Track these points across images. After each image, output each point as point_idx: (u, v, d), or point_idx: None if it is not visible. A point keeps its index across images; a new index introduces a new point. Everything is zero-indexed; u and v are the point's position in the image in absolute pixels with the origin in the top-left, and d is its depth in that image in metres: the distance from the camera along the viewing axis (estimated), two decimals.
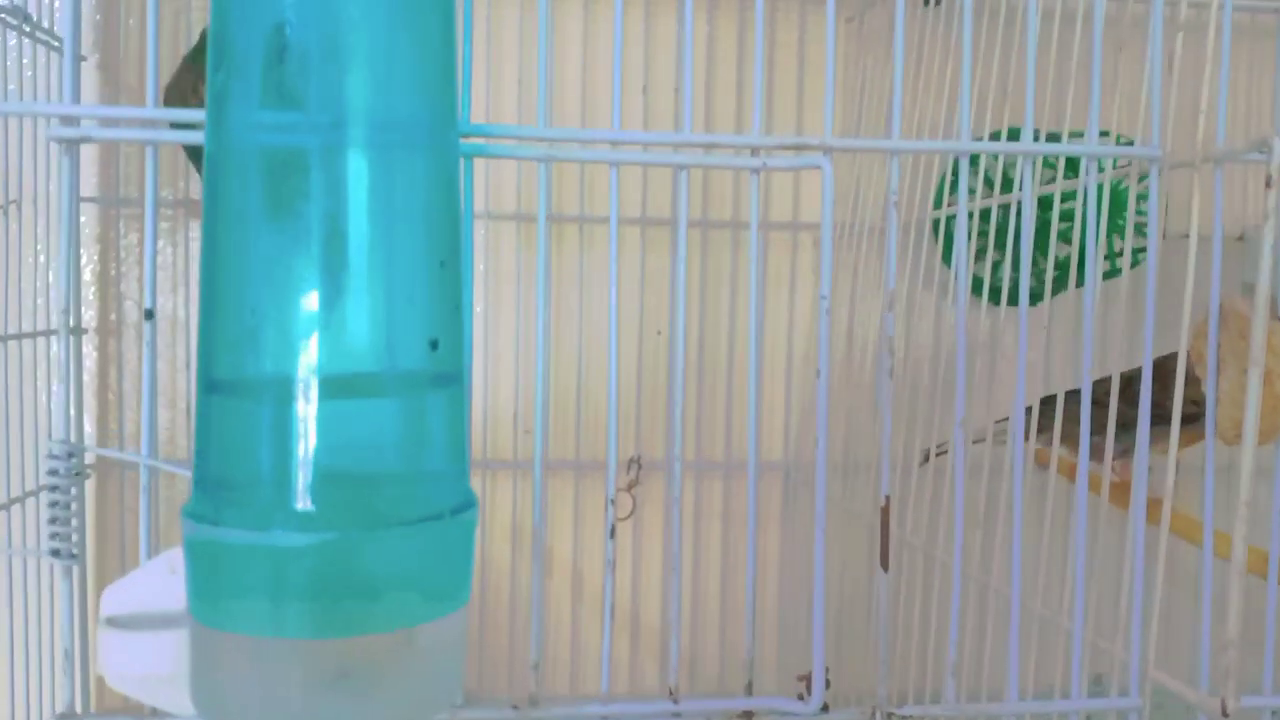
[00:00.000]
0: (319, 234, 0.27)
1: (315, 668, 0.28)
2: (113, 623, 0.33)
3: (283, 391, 0.27)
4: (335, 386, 0.28)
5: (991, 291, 0.88)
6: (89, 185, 0.80)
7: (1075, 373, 0.78)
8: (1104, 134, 0.79)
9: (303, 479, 0.27)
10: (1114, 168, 0.56)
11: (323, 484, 0.27)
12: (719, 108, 0.85)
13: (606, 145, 0.34)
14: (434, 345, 0.28)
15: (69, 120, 0.32)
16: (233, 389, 0.28)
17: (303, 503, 0.27)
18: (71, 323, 0.34)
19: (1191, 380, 0.55)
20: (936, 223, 0.86)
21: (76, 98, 0.32)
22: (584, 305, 0.85)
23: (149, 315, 0.32)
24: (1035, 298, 0.87)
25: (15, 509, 0.68)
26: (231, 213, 0.28)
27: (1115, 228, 0.84)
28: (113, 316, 0.82)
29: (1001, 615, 0.42)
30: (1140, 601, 0.37)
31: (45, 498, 0.32)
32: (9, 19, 0.68)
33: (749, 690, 0.36)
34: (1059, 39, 0.64)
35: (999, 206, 0.73)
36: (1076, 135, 0.83)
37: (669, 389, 0.87)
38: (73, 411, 0.33)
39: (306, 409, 0.27)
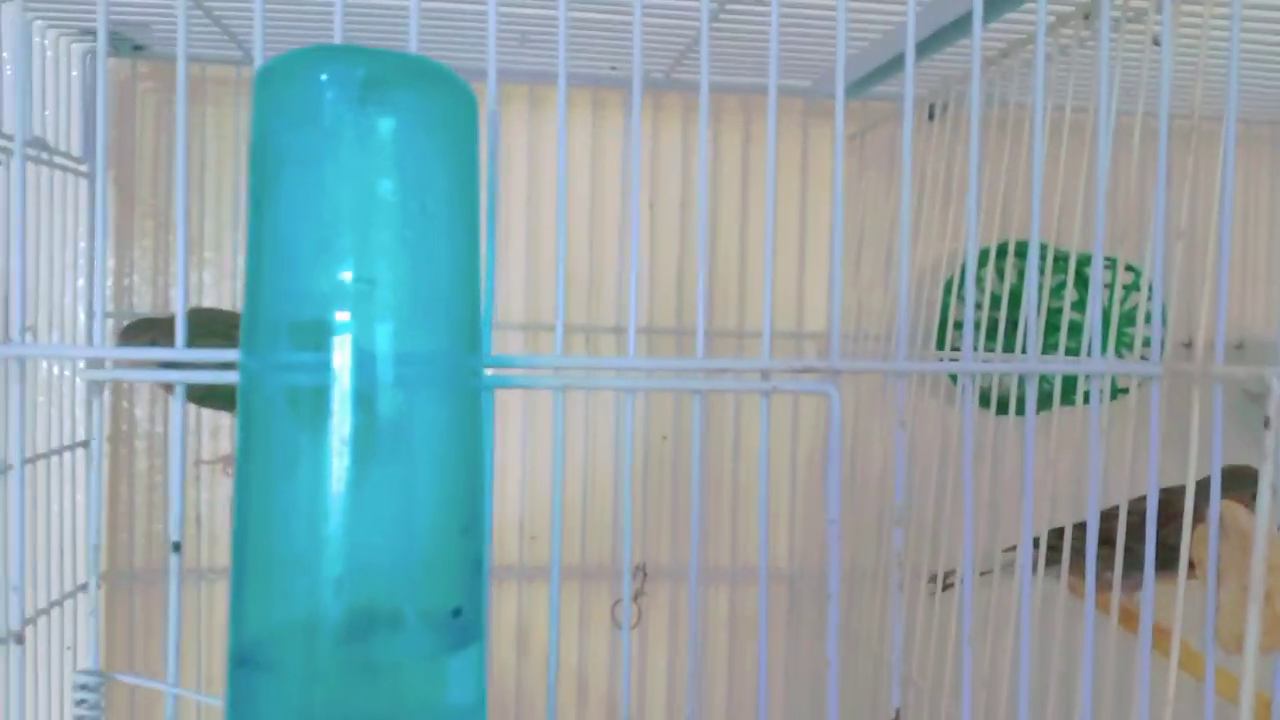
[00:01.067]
0: (344, 500, 0.28)
1: None
2: None
3: (308, 664, 0.28)
4: (361, 659, 0.28)
5: (999, 403, 0.88)
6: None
7: (1080, 491, 0.79)
8: (1109, 260, 0.81)
9: None
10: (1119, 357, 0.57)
11: None
12: (724, 221, 0.87)
13: (613, 372, 0.35)
14: (457, 613, 0.29)
15: (95, 363, 0.33)
16: (260, 659, 0.29)
17: None
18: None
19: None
20: (942, 328, 0.87)
21: (103, 341, 0.33)
22: (589, 412, 0.86)
23: (176, 549, 0.33)
24: (1040, 407, 0.88)
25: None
26: (257, 470, 0.29)
27: (1123, 341, 0.85)
28: (125, 427, 0.83)
29: None
30: None
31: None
32: (30, 150, 0.70)
33: None
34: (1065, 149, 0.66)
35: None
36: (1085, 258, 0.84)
37: (674, 496, 0.87)
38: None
39: (332, 679, 0.28)
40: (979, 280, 0.88)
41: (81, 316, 0.78)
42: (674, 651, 0.88)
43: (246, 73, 0.81)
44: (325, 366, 0.28)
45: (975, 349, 0.71)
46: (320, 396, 0.28)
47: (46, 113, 0.74)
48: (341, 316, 0.28)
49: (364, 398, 0.28)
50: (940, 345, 0.89)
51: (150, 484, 0.84)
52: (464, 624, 0.30)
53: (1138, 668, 0.42)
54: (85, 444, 0.79)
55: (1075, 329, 0.86)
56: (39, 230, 0.72)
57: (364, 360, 0.28)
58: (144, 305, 0.82)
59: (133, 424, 0.83)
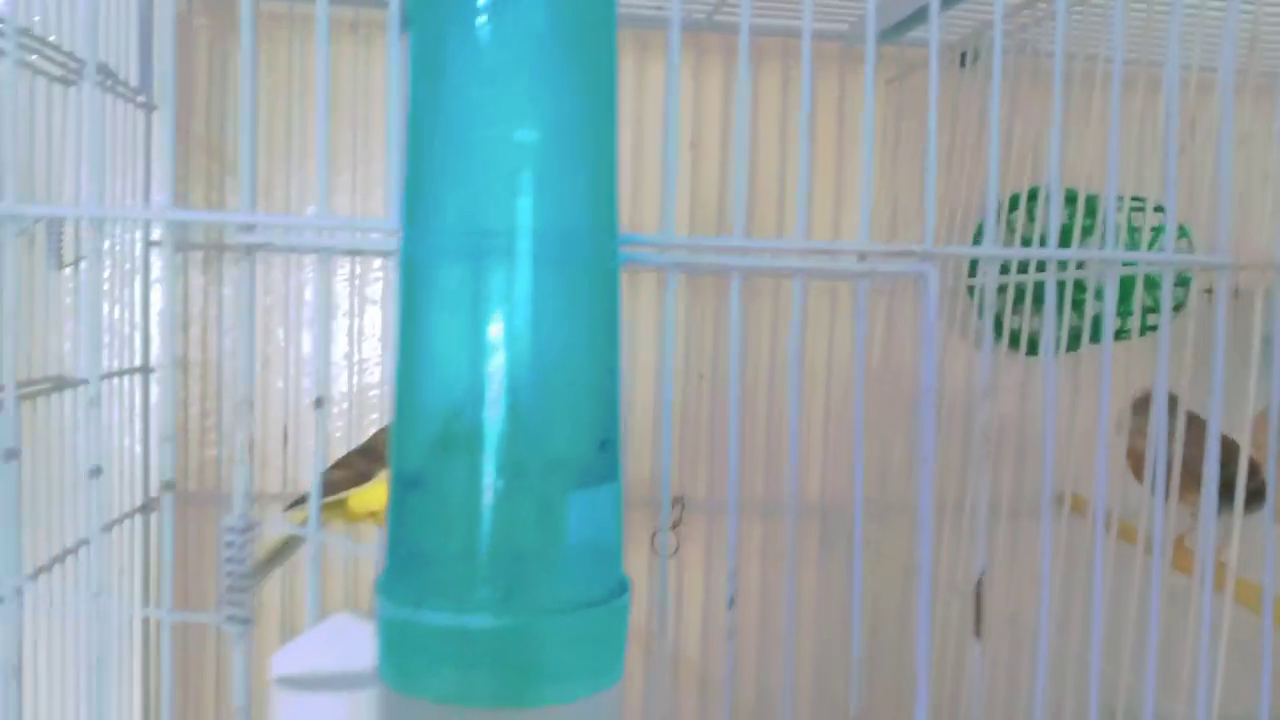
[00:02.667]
0: (505, 342, 0.30)
1: None
2: (283, 683, 0.36)
3: (471, 487, 0.31)
4: (519, 483, 0.31)
5: (1030, 345, 0.91)
6: (156, 229, 0.83)
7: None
8: (1137, 200, 0.83)
9: (488, 568, 0.31)
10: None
11: (506, 573, 0.31)
12: (762, 165, 0.89)
13: (737, 252, 0.37)
14: (603, 445, 0.32)
15: (247, 228, 0.36)
16: (424, 484, 0.31)
17: (489, 590, 0.31)
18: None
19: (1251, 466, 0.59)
20: (973, 267, 0.90)
21: (254, 206, 0.35)
22: (630, 348, 0.88)
23: (319, 403, 0.35)
24: (1070, 346, 0.91)
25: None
26: (421, 321, 0.31)
27: (1153, 284, 0.88)
28: (178, 352, 0.85)
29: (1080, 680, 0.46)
30: (1207, 665, 0.41)
31: (221, 563, 0.35)
32: (102, 78, 0.72)
33: None
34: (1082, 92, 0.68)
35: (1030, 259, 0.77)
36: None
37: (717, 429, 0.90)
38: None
39: (492, 504, 0.31)
40: (1010, 224, 0.91)
41: (138, 246, 0.79)
42: (709, 579, 0.91)
43: (300, 8, 0.83)
44: (484, 232, 0.31)
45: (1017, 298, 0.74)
46: (477, 257, 0.31)
47: (108, 43, 0.76)
48: (502, 189, 0.31)
49: (519, 258, 0.31)
50: (973, 291, 0.92)
51: (203, 410, 0.86)
52: (609, 460, 0.32)
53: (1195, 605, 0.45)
54: (144, 369, 0.81)
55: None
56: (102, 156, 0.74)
57: (519, 227, 0.31)
58: (198, 236, 0.84)
59: (187, 352, 0.85)
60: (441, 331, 0.31)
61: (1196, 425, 0.66)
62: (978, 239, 0.90)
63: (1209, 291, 0.98)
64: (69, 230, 0.67)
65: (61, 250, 0.67)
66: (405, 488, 0.32)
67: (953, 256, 0.38)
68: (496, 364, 0.31)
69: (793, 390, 0.37)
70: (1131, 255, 0.42)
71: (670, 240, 0.37)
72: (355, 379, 0.86)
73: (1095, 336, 0.90)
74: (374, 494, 0.59)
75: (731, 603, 0.39)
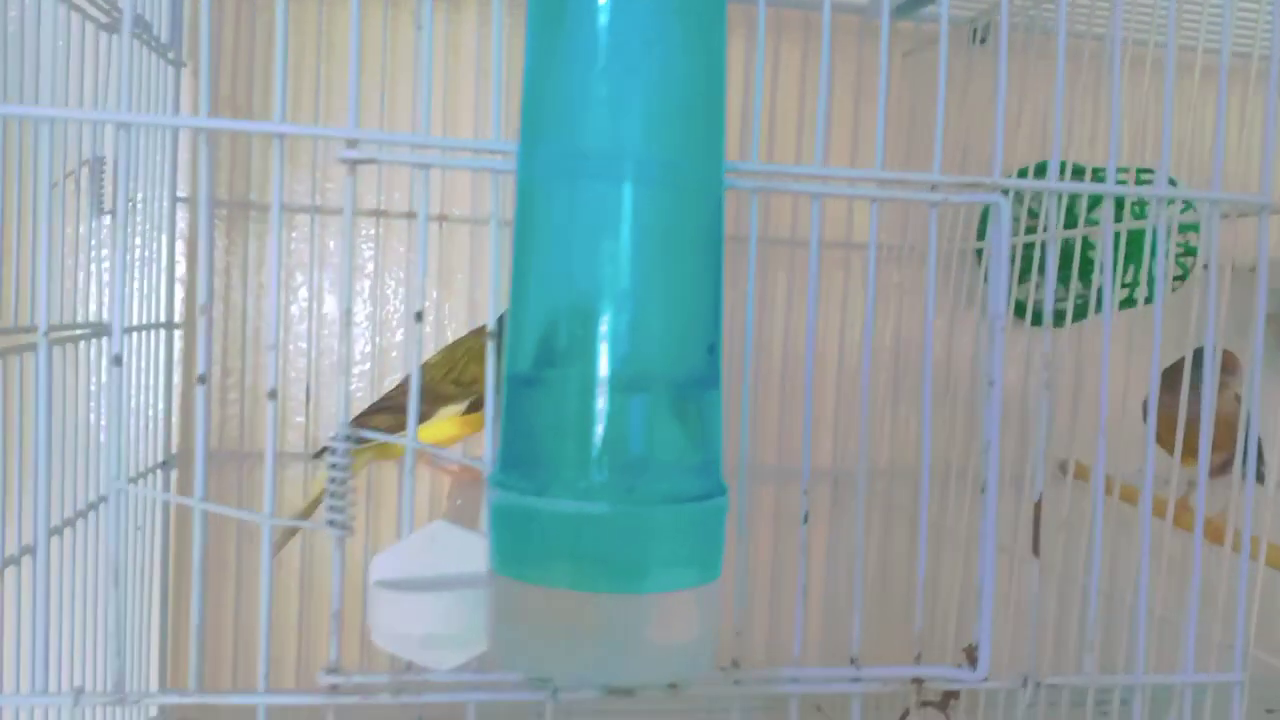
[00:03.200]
0: (624, 255, 0.32)
1: (598, 617, 0.32)
2: (382, 586, 0.37)
3: (588, 388, 0.32)
4: (629, 383, 0.32)
5: (1034, 315, 0.93)
6: (184, 185, 0.84)
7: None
8: (1146, 172, 0.86)
9: (603, 462, 0.32)
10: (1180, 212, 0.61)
11: (619, 466, 0.32)
12: (780, 134, 0.91)
13: (815, 179, 0.39)
14: (711, 350, 0.33)
15: (353, 143, 0.37)
16: (542, 385, 0.33)
17: (598, 480, 0.32)
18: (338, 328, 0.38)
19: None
20: (982, 229, 0.92)
21: (358, 122, 0.36)
22: None
23: (419, 317, 0.36)
24: (1079, 314, 0.93)
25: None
26: (542, 234, 0.33)
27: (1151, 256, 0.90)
28: (193, 317, 0.86)
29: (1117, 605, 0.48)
30: (1245, 591, 0.43)
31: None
32: (138, 33, 0.72)
33: (918, 660, 0.41)
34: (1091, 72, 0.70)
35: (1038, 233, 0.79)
36: (1121, 171, 0.89)
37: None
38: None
39: (604, 401, 0.32)
40: (1019, 198, 0.93)
41: (165, 201, 0.80)
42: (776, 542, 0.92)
43: None
44: (601, 155, 0.32)
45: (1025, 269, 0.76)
46: (596, 178, 0.32)
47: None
48: (621, 118, 0.32)
49: (633, 178, 0.32)
50: (981, 255, 0.94)
51: (225, 369, 0.86)
52: (713, 366, 0.34)
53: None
54: (169, 324, 0.81)
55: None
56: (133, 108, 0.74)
57: (632, 151, 0.32)
58: (223, 192, 0.84)
59: (213, 299, 0.85)
60: (561, 243, 0.33)
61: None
62: (985, 216, 0.93)
63: (1206, 267, 1.01)
64: (109, 175, 0.67)
65: (103, 195, 0.67)
66: (522, 388, 0.33)
67: (1013, 187, 0.40)
68: (613, 273, 0.32)
69: (867, 329, 0.38)
70: (1179, 192, 0.43)
71: (755, 167, 0.39)
72: (378, 339, 0.87)
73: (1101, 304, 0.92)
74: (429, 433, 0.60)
75: (806, 518, 0.41)
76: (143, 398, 0.77)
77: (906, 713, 0.43)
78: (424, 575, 0.37)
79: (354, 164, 0.37)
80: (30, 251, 0.60)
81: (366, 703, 0.37)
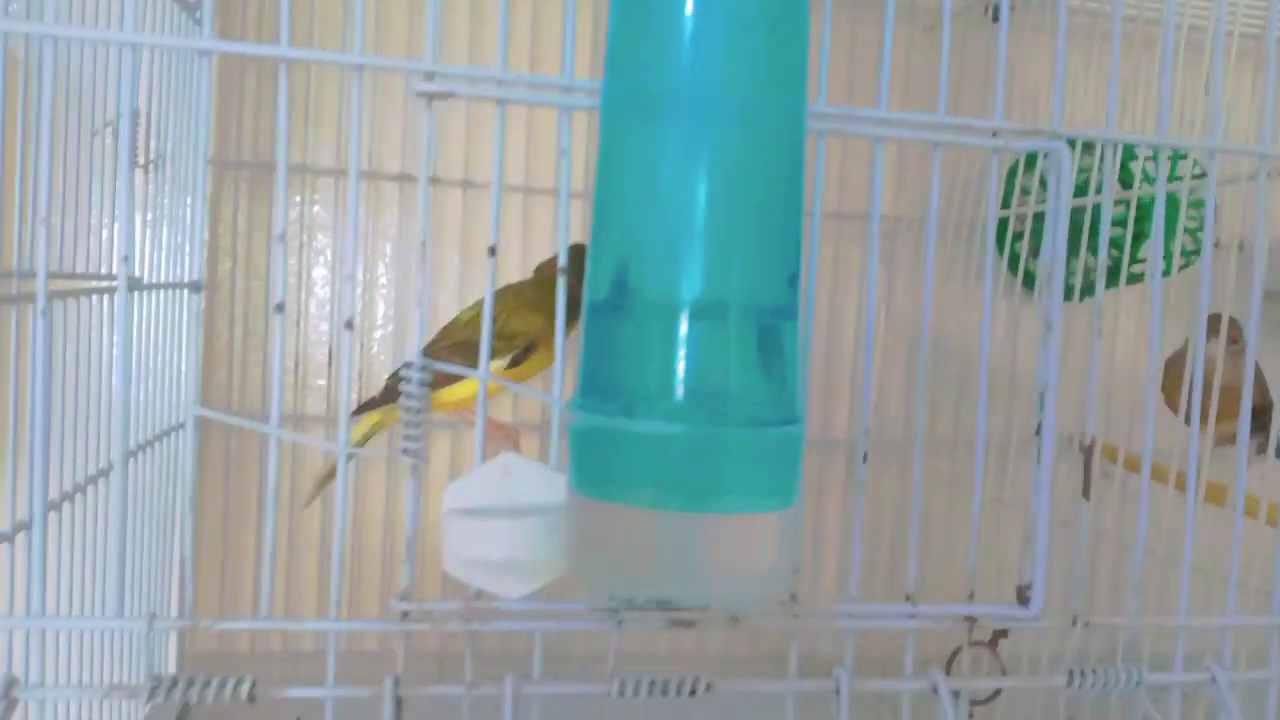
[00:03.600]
0: (705, 189, 0.33)
1: (677, 536, 0.33)
2: (456, 513, 0.37)
3: (667, 313, 0.33)
4: (709, 310, 0.33)
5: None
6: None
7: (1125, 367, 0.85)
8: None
9: (679, 384, 0.33)
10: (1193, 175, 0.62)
11: (694, 388, 0.33)
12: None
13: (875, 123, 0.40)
14: (791, 281, 0.34)
15: (431, 76, 0.37)
16: (626, 310, 0.33)
17: (678, 402, 0.33)
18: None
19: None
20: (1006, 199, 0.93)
21: (439, 56, 0.37)
22: None
23: (492, 251, 0.37)
24: (1086, 292, 0.94)
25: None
26: (626, 168, 0.33)
27: (1191, 229, 0.91)
28: (226, 265, 0.86)
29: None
30: None
31: (401, 411, 0.37)
32: None
33: (971, 599, 0.42)
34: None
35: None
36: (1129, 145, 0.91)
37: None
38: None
39: (685, 327, 0.33)
40: (1025, 187, 0.94)
41: (198, 160, 0.80)
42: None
43: None
44: (677, 91, 0.33)
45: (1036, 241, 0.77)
46: (679, 112, 0.33)
47: None
48: (711, 57, 0.33)
49: (719, 113, 0.33)
50: (1000, 244, 0.95)
51: (246, 330, 0.86)
52: (793, 297, 0.34)
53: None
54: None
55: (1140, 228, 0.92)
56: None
57: (718, 86, 0.33)
58: (247, 154, 0.84)
59: (235, 262, 0.86)
60: (644, 177, 0.33)
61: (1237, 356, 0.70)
62: (1011, 182, 0.93)
63: (1216, 244, 1.02)
64: (144, 127, 0.67)
65: (138, 147, 0.67)
66: (604, 315, 0.34)
67: (1074, 135, 0.40)
68: (694, 206, 0.33)
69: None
70: (1188, 143, 0.44)
71: (823, 110, 0.39)
72: (399, 304, 0.87)
73: (1112, 279, 0.93)
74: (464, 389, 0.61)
75: (865, 458, 0.42)
76: (166, 358, 0.77)
77: (958, 650, 0.44)
78: (497, 503, 0.37)
79: (431, 98, 0.37)
80: (84, 201, 0.60)
81: (438, 629, 0.37)
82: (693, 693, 0.40)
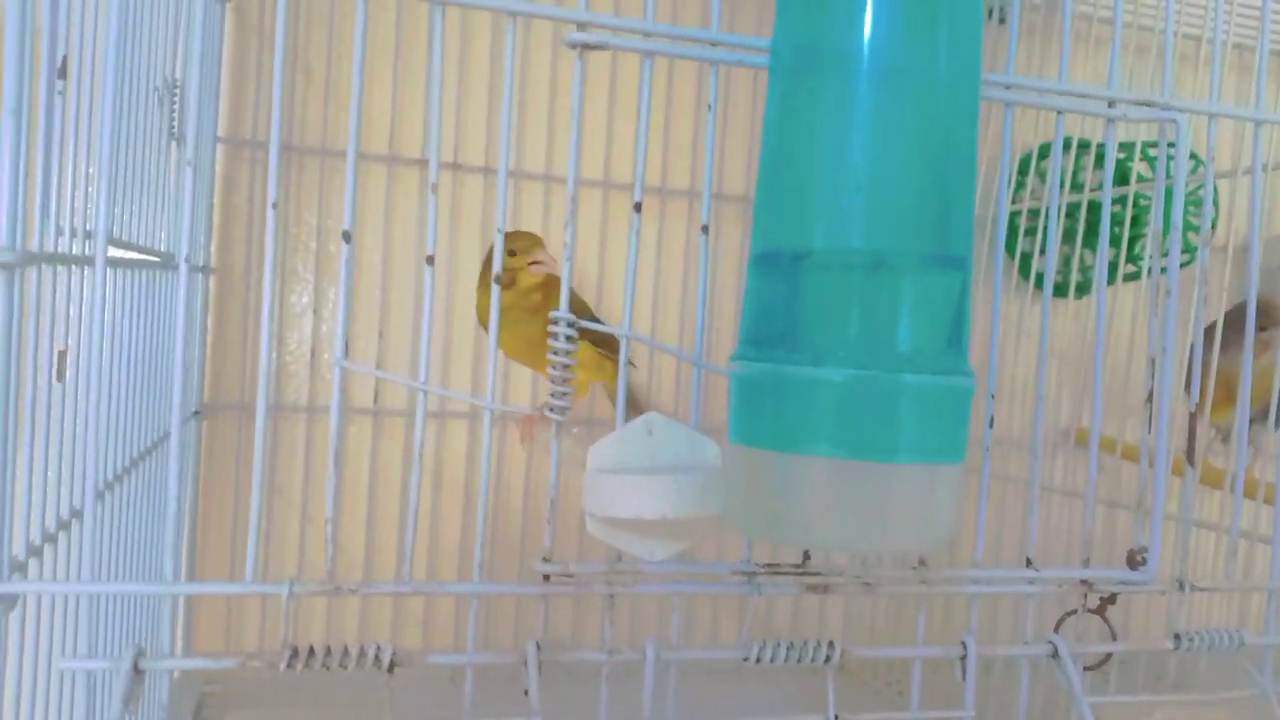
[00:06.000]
0: (878, 148, 0.33)
1: (852, 486, 0.33)
2: (600, 474, 0.36)
3: (842, 264, 0.33)
4: (883, 262, 0.33)
5: (1056, 287, 0.97)
6: (222, 125, 0.81)
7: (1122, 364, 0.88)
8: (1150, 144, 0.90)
9: (854, 332, 0.33)
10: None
11: (868, 336, 0.33)
12: None
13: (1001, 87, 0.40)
14: (965, 234, 0.34)
15: (583, 27, 0.36)
16: (794, 265, 0.33)
17: (853, 349, 0.33)
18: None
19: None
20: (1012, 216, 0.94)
21: (589, 4, 0.36)
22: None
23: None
24: (1083, 290, 0.97)
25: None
26: (803, 121, 0.33)
27: (1188, 226, 0.94)
28: (230, 261, 0.83)
29: None
30: None
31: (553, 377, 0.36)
32: None
33: (1086, 564, 0.43)
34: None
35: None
36: (1125, 146, 0.93)
37: None
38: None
39: (860, 279, 0.33)
40: (1019, 186, 0.96)
41: (208, 139, 0.77)
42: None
43: None
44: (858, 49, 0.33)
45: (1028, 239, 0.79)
46: (858, 65, 0.33)
47: None
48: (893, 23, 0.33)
49: (891, 67, 0.33)
50: (1011, 246, 0.97)
51: (260, 319, 0.83)
52: (965, 251, 0.34)
53: None
54: (206, 268, 0.79)
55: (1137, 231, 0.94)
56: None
57: (889, 50, 0.33)
58: (262, 133, 0.82)
59: (249, 248, 0.83)
60: (820, 134, 0.33)
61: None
62: (1023, 177, 0.95)
63: (1225, 248, 1.05)
64: (180, 100, 0.65)
65: (174, 121, 0.65)
66: (773, 266, 0.34)
67: (1186, 110, 0.41)
68: (866, 165, 0.33)
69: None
70: (1193, 105, 0.45)
71: (999, 79, 0.40)
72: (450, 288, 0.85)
73: (1112, 275, 0.95)
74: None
75: (991, 422, 0.42)
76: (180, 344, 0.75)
77: (1071, 613, 0.45)
78: (644, 462, 0.37)
79: (583, 48, 0.36)
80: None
81: (580, 593, 0.36)
82: (827, 659, 0.39)
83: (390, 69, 0.84)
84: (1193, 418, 0.44)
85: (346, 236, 0.38)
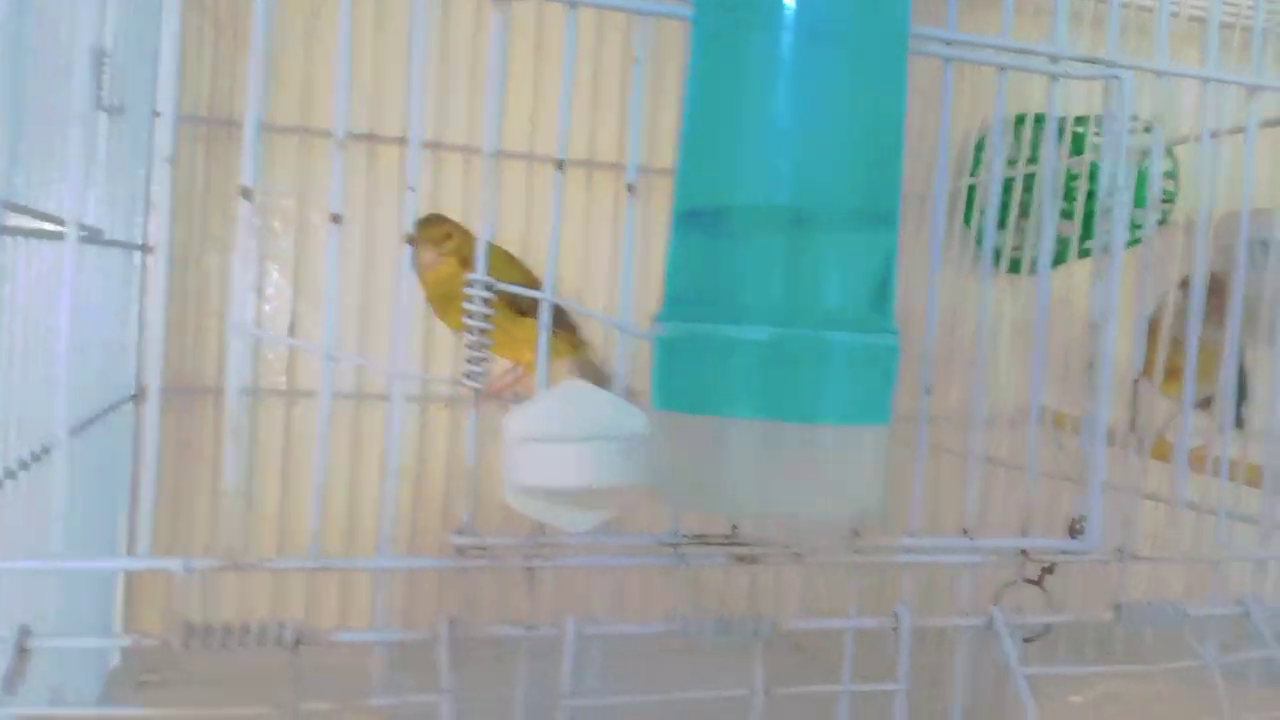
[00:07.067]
0: (807, 97, 0.31)
1: (775, 448, 0.31)
2: (519, 441, 0.35)
3: (762, 222, 0.31)
4: (805, 218, 0.32)
5: (1011, 263, 0.96)
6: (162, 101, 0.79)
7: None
8: None
9: (773, 291, 0.31)
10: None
11: (793, 294, 0.31)
12: None
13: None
14: (891, 191, 0.33)
15: None
16: (714, 223, 0.32)
17: (776, 307, 0.31)
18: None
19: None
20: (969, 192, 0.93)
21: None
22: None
23: (559, 166, 0.34)
24: (1056, 261, 0.96)
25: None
26: (726, 76, 0.32)
27: (1140, 201, 0.93)
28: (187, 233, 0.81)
29: None
30: None
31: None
32: None
33: (1024, 533, 0.42)
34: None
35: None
36: (1080, 121, 0.92)
37: None
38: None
39: (781, 236, 0.31)
40: (977, 163, 0.95)
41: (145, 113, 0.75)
42: None
43: None
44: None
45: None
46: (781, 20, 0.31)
47: None
48: None
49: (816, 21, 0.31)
50: (968, 216, 0.96)
51: (199, 299, 0.81)
52: (890, 208, 0.33)
53: None
54: (143, 247, 0.77)
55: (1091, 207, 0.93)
56: None
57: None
58: (202, 108, 0.80)
59: (189, 226, 0.81)
60: (741, 90, 0.32)
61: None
62: (979, 156, 0.94)
63: (1162, 222, 1.05)
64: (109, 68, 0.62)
65: (101, 88, 0.62)
66: (695, 224, 0.32)
67: (1131, 67, 0.40)
68: (789, 119, 0.31)
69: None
70: (1181, 69, 0.44)
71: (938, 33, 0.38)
72: (369, 261, 0.83)
73: (1063, 256, 0.94)
74: None
75: (928, 390, 0.41)
76: (111, 324, 0.73)
77: (1010, 585, 0.44)
78: (565, 429, 0.35)
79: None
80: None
81: (496, 566, 0.35)
82: (756, 633, 0.38)
83: (302, 34, 0.82)
84: (1136, 384, 0.43)
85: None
